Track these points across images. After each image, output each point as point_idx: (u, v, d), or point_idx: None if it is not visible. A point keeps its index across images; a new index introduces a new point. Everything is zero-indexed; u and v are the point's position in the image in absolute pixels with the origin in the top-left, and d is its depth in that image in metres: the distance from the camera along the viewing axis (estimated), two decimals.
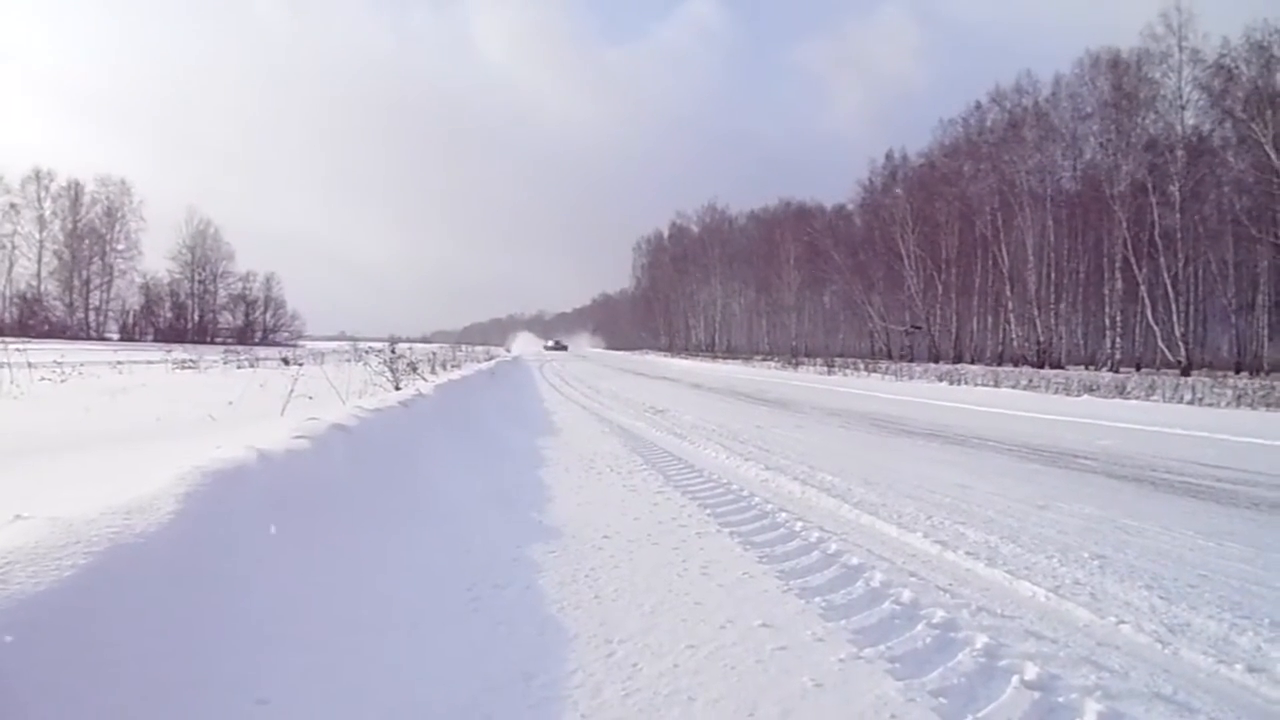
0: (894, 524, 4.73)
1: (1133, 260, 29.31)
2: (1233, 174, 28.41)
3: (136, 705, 1.91)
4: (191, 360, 24.70)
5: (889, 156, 47.20)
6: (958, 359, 37.11)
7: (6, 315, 57.15)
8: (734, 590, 3.40)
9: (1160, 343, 28.78)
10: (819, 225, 53.07)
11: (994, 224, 36.07)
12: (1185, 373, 24.55)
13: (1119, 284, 30.77)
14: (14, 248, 58.84)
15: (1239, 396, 15.51)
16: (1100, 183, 31.05)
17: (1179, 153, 28.30)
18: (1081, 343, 35.10)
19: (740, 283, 64.50)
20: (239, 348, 41.03)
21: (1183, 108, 28.82)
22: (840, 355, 43.29)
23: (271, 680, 2.29)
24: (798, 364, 39.88)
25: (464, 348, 36.20)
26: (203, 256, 67.12)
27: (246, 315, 70.01)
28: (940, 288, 40.62)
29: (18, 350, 14.25)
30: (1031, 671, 2.55)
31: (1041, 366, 30.23)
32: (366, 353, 17.41)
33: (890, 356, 41.48)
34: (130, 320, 63.86)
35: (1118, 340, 31.20)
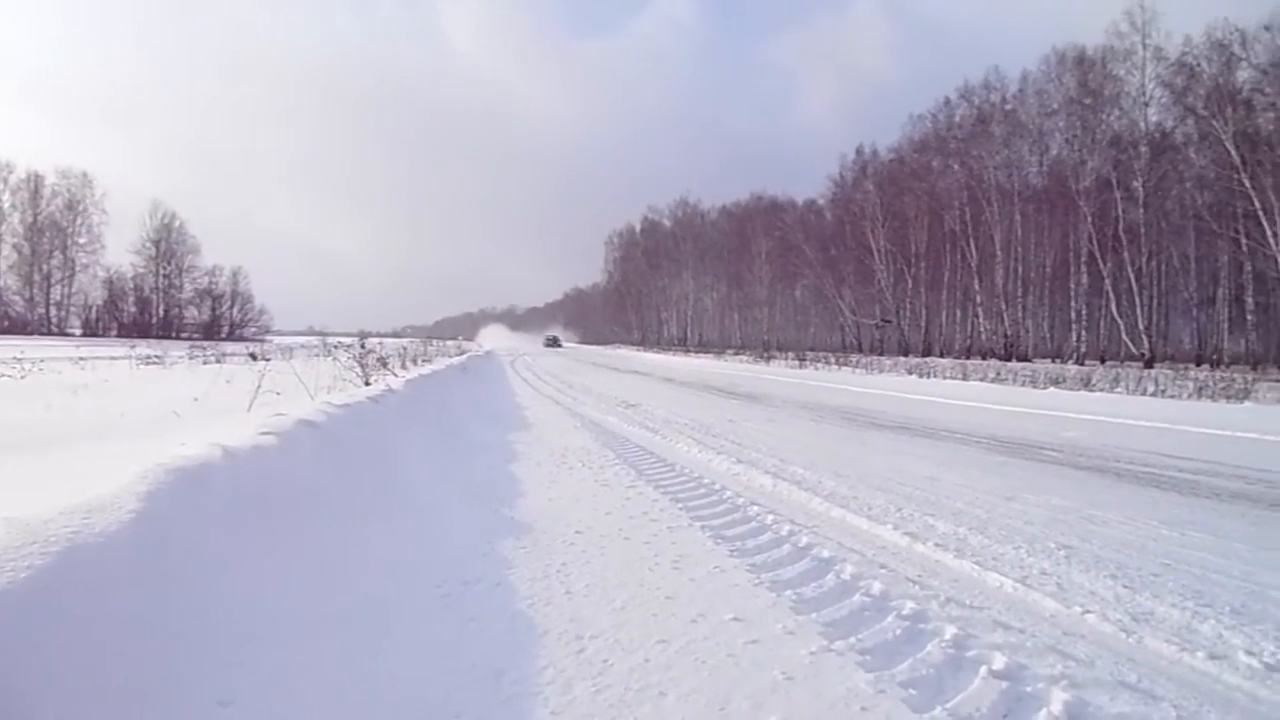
0: (864, 516, 4.75)
1: (1098, 255, 29.77)
2: (1194, 170, 28.95)
3: (94, 709, 1.87)
4: (156, 356, 24.29)
5: (859, 151, 47.58)
6: (927, 352, 37.51)
7: None
8: (705, 584, 3.40)
9: (1124, 336, 29.27)
10: (790, 220, 53.36)
11: (962, 219, 36.47)
12: (1148, 365, 24.99)
13: (1084, 278, 31.25)
14: None
15: (1200, 388, 15.80)
16: (1066, 178, 31.50)
17: (1143, 149, 28.78)
18: (1048, 336, 35.59)
19: (712, 277, 64.66)
20: (205, 343, 40.48)
21: (1146, 105, 29.33)
22: (811, 349, 43.62)
23: (235, 681, 2.25)
24: (769, 358, 40.07)
25: (435, 342, 35.96)
26: (168, 250, 66.01)
27: (213, 310, 69.00)
28: (910, 282, 41.02)
29: None
30: (999, 661, 2.58)
31: (1009, 359, 30.63)
32: (336, 348, 17.24)
33: (861, 350, 41.81)
34: (93, 315, 62.68)
35: (1083, 333, 31.71)
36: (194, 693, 2.14)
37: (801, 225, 52.24)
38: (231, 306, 70.68)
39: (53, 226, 60.08)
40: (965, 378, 22.38)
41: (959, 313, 39.56)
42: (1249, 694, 2.44)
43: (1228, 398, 14.89)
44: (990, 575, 3.58)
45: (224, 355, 26.21)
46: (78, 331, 59.91)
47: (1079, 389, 17.82)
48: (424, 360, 18.32)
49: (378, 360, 12.43)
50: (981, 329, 36.47)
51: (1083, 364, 26.95)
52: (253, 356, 23.22)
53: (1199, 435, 9.81)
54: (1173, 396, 15.80)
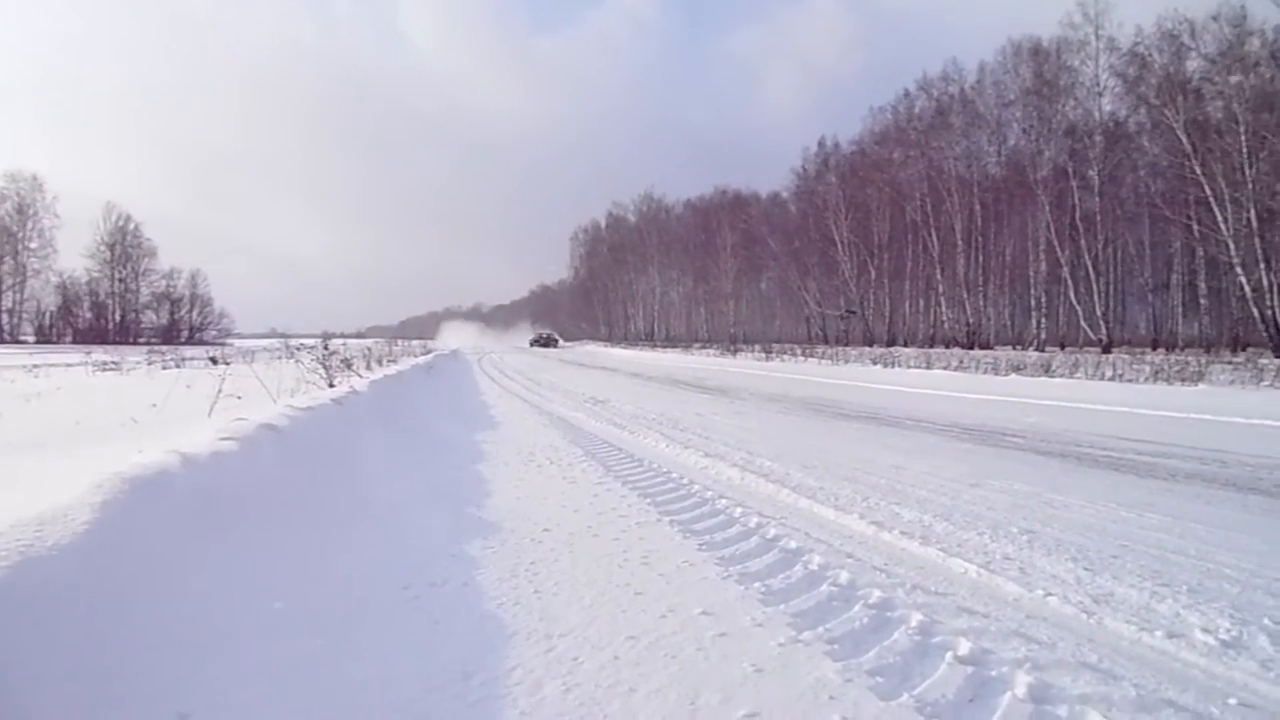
0: (831, 507, 4.79)
1: (1055, 243, 30.26)
2: (1148, 158, 29.57)
3: None
4: (113, 362, 23.85)
5: (821, 144, 47.83)
6: (891, 342, 37.89)
7: None
8: (674, 579, 3.40)
9: (1083, 322, 29.80)
10: (755, 213, 53.55)
11: (924, 209, 36.86)
12: (1106, 350, 25.47)
13: (1043, 266, 31.76)
14: None
15: (1156, 372, 16.15)
16: (1024, 168, 31.95)
17: (1097, 138, 29.29)
18: (1009, 323, 36.14)
19: (678, 271, 64.71)
20: (164, 348, 39.73)
21: (1100, 94, 29.84)
22: (777, 341, 43.87)
23: (193, 692, 2.20)
24: (736, 351, 40.27)
25: (400, 343, 35.60)
26: (123, 254, 64.74)
27: (171, 314, 67.84)
28: (873, 273, 41.37)
29: None
30: (964, 647, 2.61)
31: (971, 347, 31.05)
32: (298, 350, 16.97)
33: (826, 341, 42.11)
34: (46, 321, 61.25)
35: (1043, 320, 32.24)
36: (151, 704, 2.09)
37: (766, 218, 52.48)
38: (190, 310, 69.58)
39: (2, 231, 58.53)
40: (929, 366, 22.67)
41: (922, 302, 40.01)
42: (1205, 670, 2.49)
43: (1182, 381, 15.24)
44: (955, 561, 3.62)
45: (183, 360, 25.77)
46: (31, 338, 58.51)
47: (1040, 375, 18.14)
48: (389, 361, 18.16)
49: (341, 362, 12.27)
50: (944, 318, 36.90)
51: (1043, 350, 27.41)
52: (213, 360, 22.82)
53: (1156, 418, 10.03)
54: (1130, 381, 16.14)
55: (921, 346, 33.80)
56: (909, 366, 23.59)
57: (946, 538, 4.07)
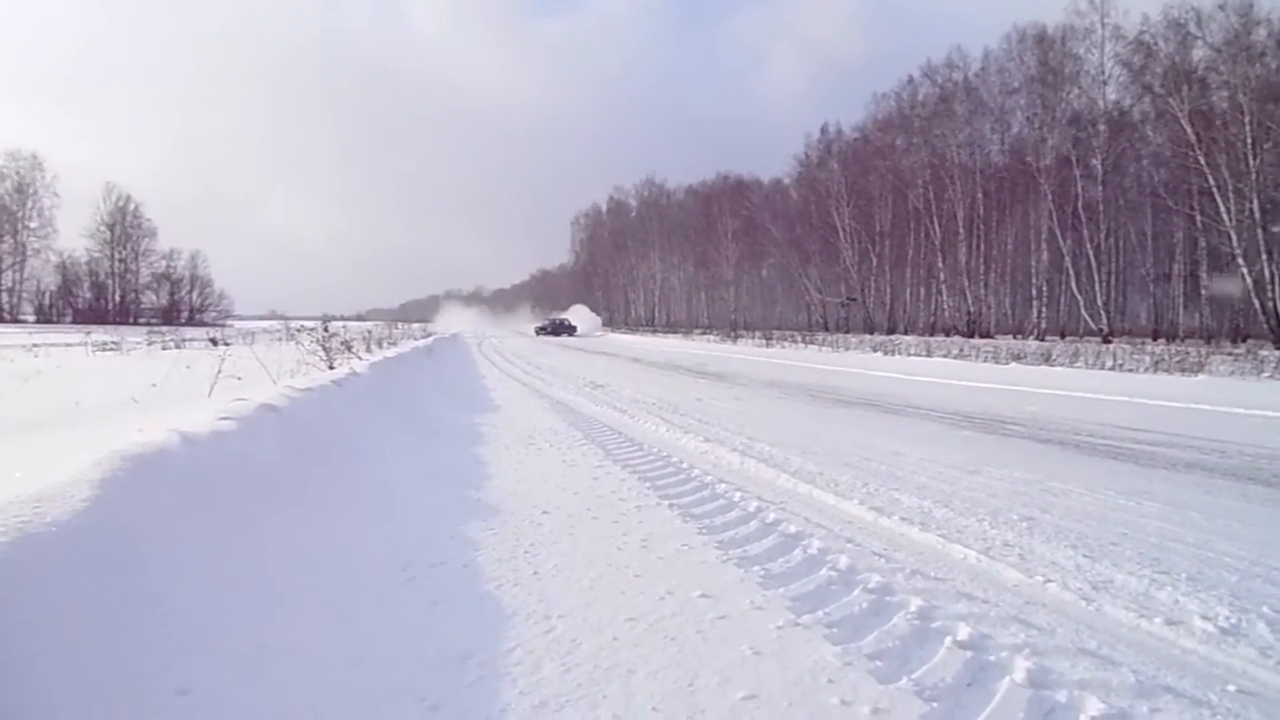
0: (831, 492, 4.79)
1: (1057, 232, 30.15)
2: (1151, 148, 29.42)
3: (48, 700, 1.82)
4: (113, 342, 23.86)
5: (824, 130, 47.51)
6: (892, 330, 37.83)
7: None
8: (674, 562, 3.40)
9: (1083, 311, 29.74)
10: (756, 199, 53.39)
11: (926, 197, 36.72)
12: (1107, 340, 25.47)
13: (1045, 255, 31.66)
14: None
15: (1156, 362, 16.15)
16: (1027, 156, 31.80)
17: (1101, 127, 29.12)
18: (1009, 312, 36.07)
19: (679, 257, 64.51)
20: (164, 328, 39.72)
21: (1105, 83, 29.63)
22: (778, 328, 43.81)
23: (193, 669, 2.20)
24: (737, 337, 40.31)
25: (400, 325, 35.57)
26: (123, 234, 64.53)
27: (171, 294, 67.70)
28: (874, 260, 41.27)
29: None
30: (964, 632, 2.61)
31: (972, 336, 31.01)
32: (299, 331, 16.95)
33: (827, 328, 42.04)
34: (46, 301, 61.18)
35: (1044, 309, 32.17)
36: (152, 682, 2.09)
37: (767, 205, 52.31)
38: (190, 291, 69.44)
39: (2, 210, 58.30)
40: (929, 354, 22.68)
41: (923, 290, 39.90)
42: (1204, 658, 2.50)
43: (1183, 371, 15.25)
44: (954, 547, 3.63)
45: (183, 341, 25.79)
46: (31, 318, 58.43)
47: (1040, 364, 18.14)
48: (389, 343, 18.13)
49: (341, 344, 12.25)
50: (945, 306, 36.83)
51: (1043, 340, 27.37)
52: (213, 341, 22.83)
53: (1155, 408, 10.02)
54: (1130, 370, 16.15)
55: (922, 334, 33.74)
56: (909, 354, 23.60)
57: (946, 524, 4.07)
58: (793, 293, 51.99)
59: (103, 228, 63.65)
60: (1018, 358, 19.35)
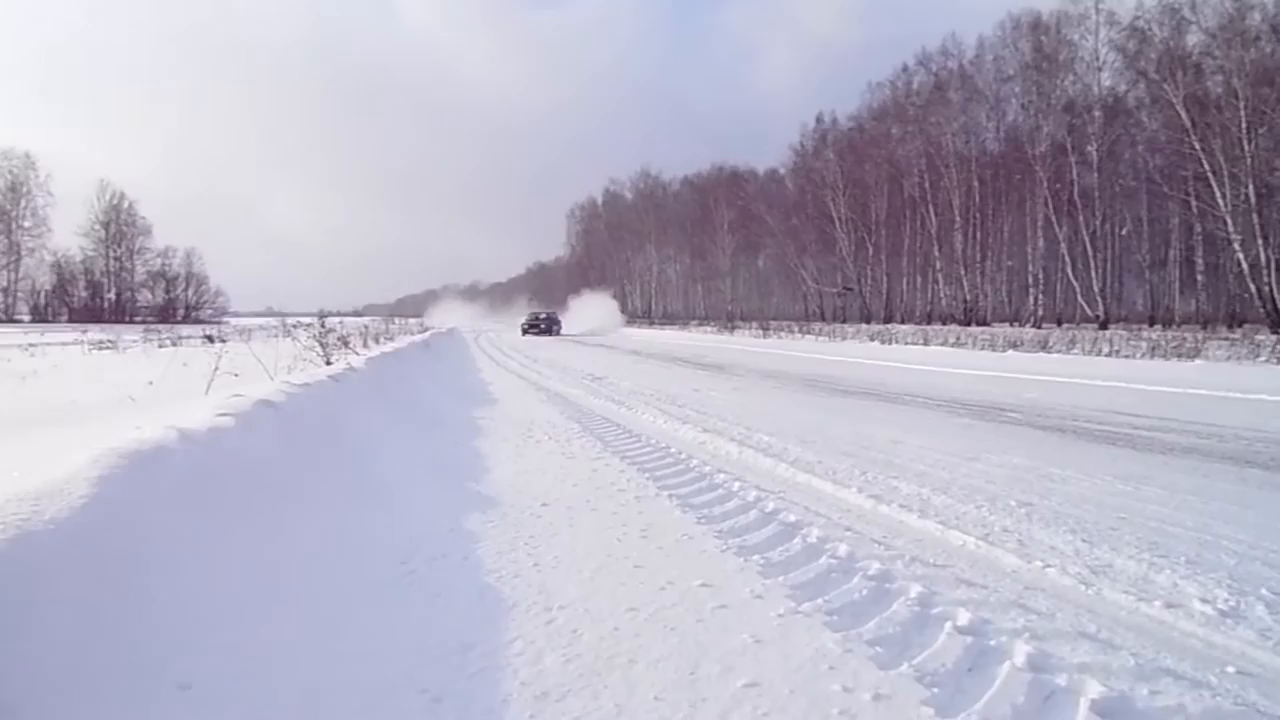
0: (829, 480, 4.80)
1: (1053, 219, 30.13)
2: (1146, 134, 29.34)
3: (49, 697, 1.82)
4: (109, 340, 23.81)
5: (819, 120, 47.35)
6: (888, 319, 37.81)
7: None
8: (673, 552, 3.41)
9: (1080, 298, 29.73)
10: (752, 190, 53.23)
11: (922, 185, 36.67)
12: (1103, 327, 25.47)
13: (1040, 242, 31.65)
14: None
15: (1153, 348, 16.18)
16: (1022, 144, 31.73)
17: (1096, 113, 29.06)
18: (1006, 300, 36.06)
19: (675, 248, 64.35)
20: (160, 326, 39.59)
21: (1099, 69, 29.56)
22: (775, 318, 43.79)
23: (194, 664, 2.20)
24: (733, 328, 40.31)
25: (397, 320, 35.53)
26: (117, 232, 64.20)
27: (167, 292, 67.44)
28: (871, 249, 41.22)
29: None
30: (964, 617, 2.62)
31: (968, 324, 31.01)
32: (295, 328, 16.93)
33: (823, 318, 42.05)
34: (42, 301, 60.88)
35: (1040, 297, 32.17)
36: (153, 677, 2.09)
37: (763, 195, 52.17)
38: (186, 288, 69.10)
39: None
40: (926, 343, 22.71)
41: (919, 279, 39.88)
42: (1204, 640, 2.50)
43: (1179, 356, 15.28)
44: (953, 534, 3.63)
45: (180, 338, 25.74)
46: (26, 318, 58.18)
47: (1037, 351, 18.17)
48: (386, 339, 18.11)
49: (338, 339, 12.24)
50: (941, 295, 36.81)
51: (1040, 327, 27.38)
52: (209, 339, 22.75)
53: (1153, 393, 10.04)
54: (1127, 357, 16.18)
55: (919, 323, 33.76)
56: (906, 343, 23.63)
57: (945, 510, 4.07)
58: (789, 283, 51.94)
59: (97, 226, 63.34)
60: (1015, 345, 19.38)
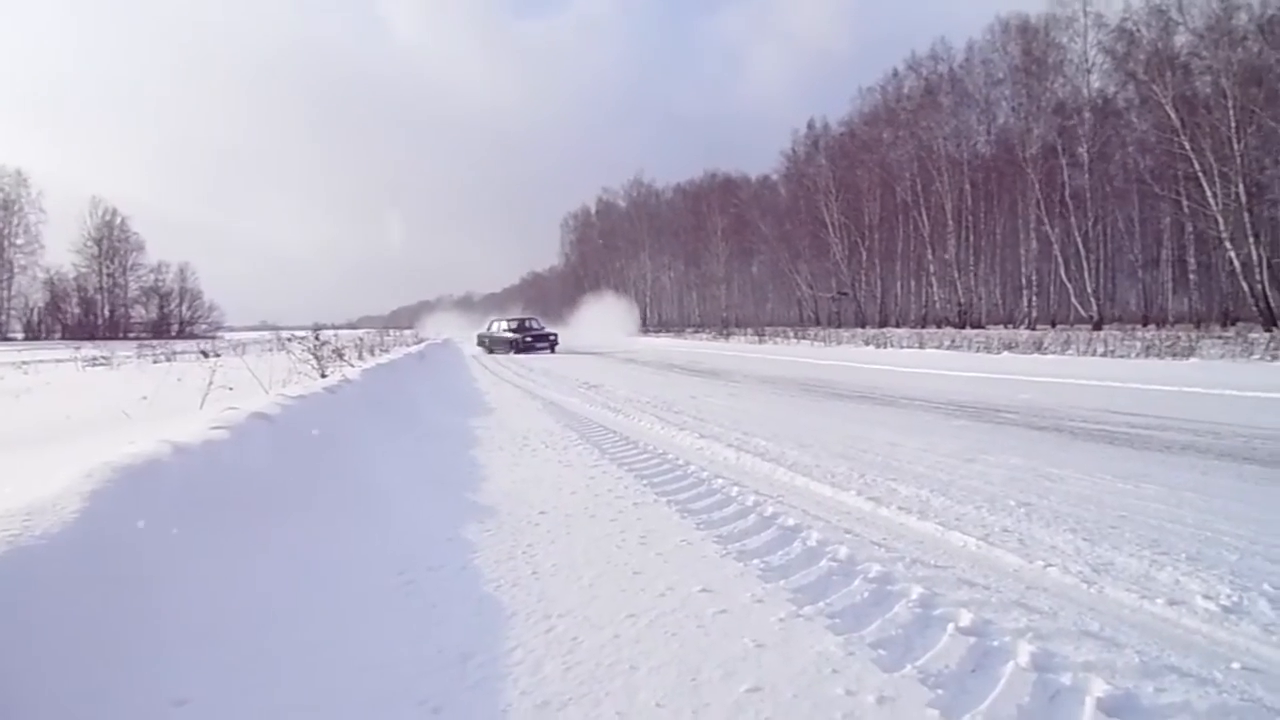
0: (828, 484, 4.78)
1: (1045, 221, 30.24)
2: (1136, 134, 29.47)
3: (40, 713, 1.79)
4: (103, 357, 23.76)
5: (811, 125, 47.50)
6: (883, 323, 37.88)
7: None
8: (673, 558, 3.39)
9: (1073, 299, 29.81)
10: (745, 196, 53.35)
11: (914, 189, 36.78)
12: (1097, 327, 25.54)
13: (1033, 244, 31.75)
14: None
15: (1147, 347, 16.22)
16: (1013, 146, 31.90)
17: (1086, 115, 29.22)
18: (1000, 302, 36.13)
19: (669, 256, 64.39)
20: (154, 342, 39.59)
21: (1089, 71, 29.72)
22: (770, 324, 43.83)
23: (191, 679, 2.18)
24: (729, 334, 40.35)
25: (392, 332, 35.47)
26: (110, 248, 64.12)
27: (161, 308, 67.31)
28: (864, 254, 41.32)
29: None
30: (966, 618, 2.60)
31: (963, 327, 31.08)
32: (290, 341, 16.88)
33: (819, 323, 42.10)
34: (35, 318, 60.67)
35: (1034, 299, 32.25)
36: (149, 693, 2.07)
37: (756, 201, 52.27)
38: (180, 304, 68.99)
39: None
40: (921, 346, 22.73)
41: (913, 283, 39.98)
42: (1208, 636, 2.49)
43: (1174, 355, 15.32)
44: (953, 535, 3.62)
45: (174, 353, 25.70)
46: (19, 335, 58.02)
47: (1032, 353, 18.20)
48: (381, 350, 18.06)
49: (333, 352, 12.20)
50: (935, 298, 36.90)
51: (1034, 328, 27.44)
52: (204, 354, 22.68)
53: (1149, 392, 10.04)
54: (1122, 356, 16.21)
55: (914, 327, 33.81)
56: (902, 346, 23.65)
57: (944, 512, 4.06)
58: (784, 289, 52.01)
59: (90, 243, 63.25)
60: (1009, 347, 19.41)
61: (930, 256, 36.53)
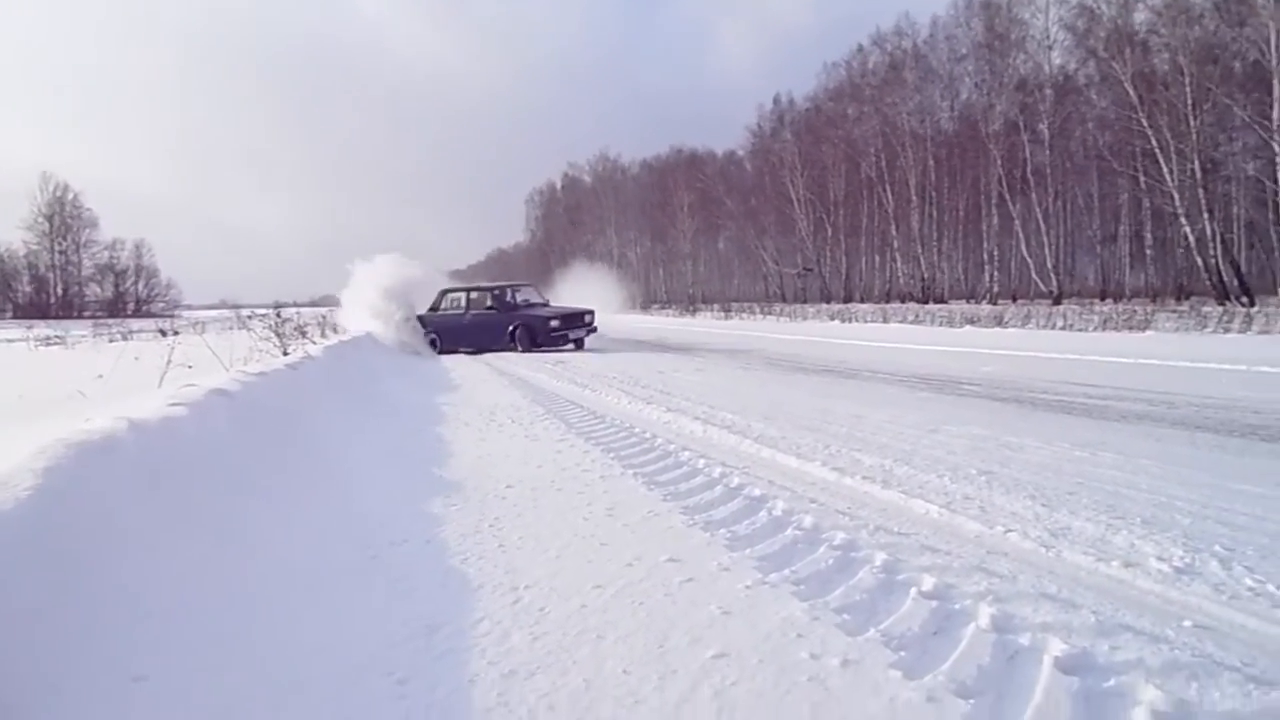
0: (793, 455, 4.82)
1: (1007, 196, 30.57)
2: (1096, 111, 29.81)
3: None
4: (57, 336, 23.24)
5: (777, 101, 47.41)
6: (848, 298, 38.13)
7: None
8: (639, 529, 3.40)
9: (1034, 274, 30.23)
10: (711, 172, 53.17)
11: (878, 165, 36.94)
12: (1057, 302, 25.93)
13: (995, 220, 32.11)
14: None
15: (1105, 321, 16.55)
16: (976, 122, 32.09)
17: (1047, 92, 29.50)
18: (962, 277, 36.54)
19: (635, 232, 64.11)
20: (110, 321, 38.71)
21: (1050, 48, 29.96)
22: (736, 300, 43.94)
23: (149, 656, 2.14)
24: (695, 311, 40.40)
25: None
26: (62, 225, 62.54)
27: (116, 286, 65.91)
28: (829, 230, 41.49)
29: None
30: (928, 583, 2.64)
31: (926, 302, 31.41)
32: (250, 319, 16.62)
33: (784, 299, 42.27)
34: None
35: (995, 274, 32.68)
36: (106, 670, 2.03)
37: (722, 177, 52.17)
38: (136, 282, 67.63)
39: None
40: (885, 321, 23.00)
41: (878, 258, 40.26)
42: (1161, 596, 2.55)
43: (1130, 329, 15.64)
44: (916, 503, 3.67)
45: (131, 333, 25.15)
46: None
47: (993, 327, 18.49)
48: (344, 328, 17.84)
49: (295, 329, 12.03)
50: (899, 273, 37.21)
51: (996, 303, 27.81)
52: (162, 333, 22.26)
53: (1106, 364, 10.25)
54: (1080, 330, 16.52)
55: (878, 302, 34.06)
56: (866, 321, 23.90)
57: (907, 481, 4.11)
58: (750, 264, 52.12)
59: (40, 219, 61.66)
60: (971, 321, 19.69)
61: (894, 232, 36.78)
